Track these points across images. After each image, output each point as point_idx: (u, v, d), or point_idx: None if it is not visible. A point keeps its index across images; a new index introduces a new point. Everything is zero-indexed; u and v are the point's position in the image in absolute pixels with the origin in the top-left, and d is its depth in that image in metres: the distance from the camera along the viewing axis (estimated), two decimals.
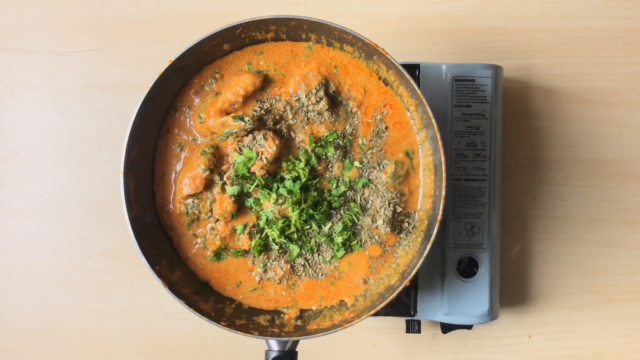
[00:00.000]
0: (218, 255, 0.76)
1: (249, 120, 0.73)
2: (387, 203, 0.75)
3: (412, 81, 0.70)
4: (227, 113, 0.75)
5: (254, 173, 0.74)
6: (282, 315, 0.76)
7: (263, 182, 0.74)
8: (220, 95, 0.76)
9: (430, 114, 0.70)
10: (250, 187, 0.75)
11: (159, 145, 0.77)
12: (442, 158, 0.70)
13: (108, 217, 0.91)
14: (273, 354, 0.71)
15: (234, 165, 0.75)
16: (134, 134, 0.71)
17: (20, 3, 0.92)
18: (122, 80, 0.91)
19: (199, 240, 0.77)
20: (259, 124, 0.75)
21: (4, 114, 0.92)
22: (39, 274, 0.91)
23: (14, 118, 0.92)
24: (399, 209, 0.76)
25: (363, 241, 0.76)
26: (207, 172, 0.75)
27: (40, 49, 0.92)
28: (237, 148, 0.75)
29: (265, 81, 0.76)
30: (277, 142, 0.74)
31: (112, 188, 0.90)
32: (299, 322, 0.75)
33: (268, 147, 0.73)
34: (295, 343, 0.72)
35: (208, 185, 0.76)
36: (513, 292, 0.89)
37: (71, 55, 0.92)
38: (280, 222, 0.74)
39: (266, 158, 0.73)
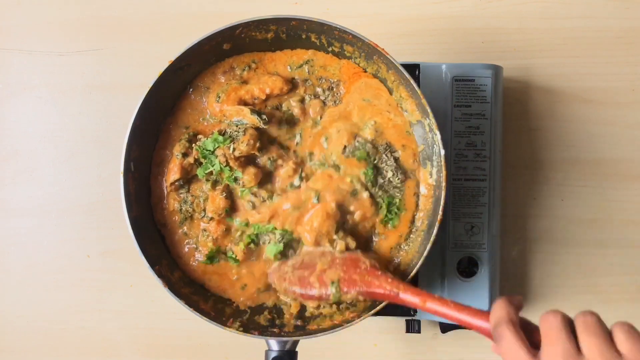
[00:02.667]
0: (211, 258, 0.76)
1: (264, 119, 0.73)
2: (384, 154, 0.76)
3: (412, 81, 0.70)
4: (245, 104, 0.75)
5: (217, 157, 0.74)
6: (282, 315, 0.76)
7: (219, 168, 0.74)
8: (246, 85, 0.76)
9: (431, 114, 0.70)
10: (208, 168, 0.74)
11: (166, 125, 0.77)
12: (442, 158, 0.70)
13: (108, 217, 0.91)
14: (273, 354, 0.71)
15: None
16: (134, 134, 0.71)
17: (20, 3, 0.92)
18: (122, 80, 0.91)
19: (191, 240, 0.77)
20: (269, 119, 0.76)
21: (4, 114, 0.92)
22: (39, 274, 0.91)
23: (14, 118, 0.92)
24: (397, 155, 0.76)
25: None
26: (181, 157, 0.75)
27: (40, 49, 0.92)
28: (223, 130, 0.75)
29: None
30: (252, 142, 0.73)
31: (112, 188, 0.90)
32: (299, 322, 0.75)
33: (241, 142, 0.73)
34: (295, 343, 0.72)
35: (188, 173, 0.75)
36: (513, 292, 0.89)
37: (71, 55, 0.92)
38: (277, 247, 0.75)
39: (234, 149, 0.73)
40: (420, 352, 0.89)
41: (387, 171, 0.75)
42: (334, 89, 0.78)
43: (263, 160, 0.75)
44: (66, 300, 0.91)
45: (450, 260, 0.79)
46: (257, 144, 0.73)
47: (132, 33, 0.92)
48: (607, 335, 0.50)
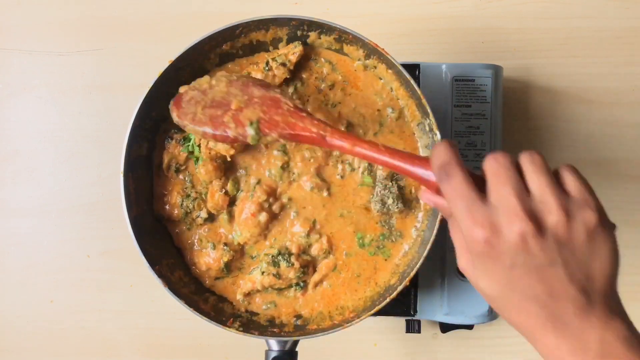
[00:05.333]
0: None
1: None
2: (389, 181, 0.75)
3: (412, 81, 0.70)
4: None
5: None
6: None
7: (192, 142, 0.74)
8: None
9: (431, 114, 0.70)
10: (189, 139, 0.74)
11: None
12: None
13: (108, 217, 0.91)
14: (273, 354, 0.71)
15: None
16: (134, 134, 0.71)
17: (20, 3, 0.92)
18: (122, 80, 0.91)
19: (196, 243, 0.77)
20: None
21: (4, 114, 0.92)
22: (39, 274, 0.91)
23: (14, 118, 0.92)
24: (402, 184, 0.75)
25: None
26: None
27: (40, 49, 0.92)
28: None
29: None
30: (232, 149, 0.73)
31: (112, 188, 0.89)
32: (298, 322, 0.75)
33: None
34: (295, 343, 0.72)
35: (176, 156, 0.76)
36: None
37: (71, 55, 0.92)
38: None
39: (213, 142, 0.73)
40: (420, 352, 0.89)
41: (388, 198, 0.74)
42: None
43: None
44: (66, 300, 0.91)
45: (450, 260, 0.79)
46: (233, 152, 0.73)
47: (132, 33, 0.92)
48: (554, 175, 0.50)
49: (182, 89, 0.66)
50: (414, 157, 0.55)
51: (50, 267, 0.91)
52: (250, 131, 0.61)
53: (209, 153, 0.74)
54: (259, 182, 0.75)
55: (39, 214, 0.91)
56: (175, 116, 0.64)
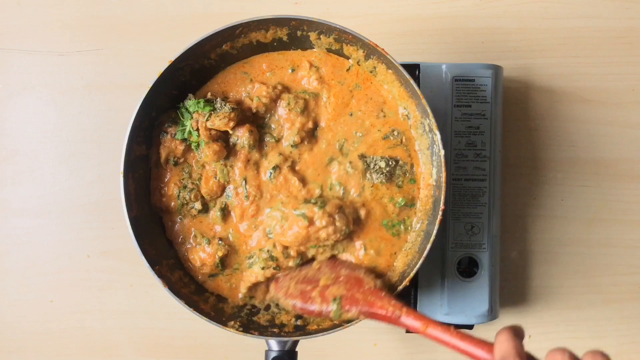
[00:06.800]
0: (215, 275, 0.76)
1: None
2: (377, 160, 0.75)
3: (412, 81, 0.70)
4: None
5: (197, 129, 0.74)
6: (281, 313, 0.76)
7: (189, 129, 0.74)
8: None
9: (431, 114, 0.70)
10: (182, 126, 0.74)
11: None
12: (442, 158, 0.70)
13: (108, 217, 0.91)
14: (273, 354, 0.71)
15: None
16: (134, 134, 0.71)
17: (20, 3, 0.92)
18: (122, 80, 0.91)
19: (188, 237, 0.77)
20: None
21: (4, 114, 0.92)
22: (39, 274, 0.91)
23: (14, 118, 0.92)
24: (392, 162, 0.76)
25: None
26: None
27: (40, 49, 0.92)
28: (211, 99, 0.74)
29: None
30: (226, 119, 0.72)
31: (112, 188, 0.90)
32: (299, 322, 0.75)
33: (217, 115, 0.72)
34: (295, 343, 0.72)
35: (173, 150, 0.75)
36: (513, 292, 0.89)
37: (71, 55, 0.92)
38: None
39: (208, 119, 0.72)
40: (420, 352, 0.89)
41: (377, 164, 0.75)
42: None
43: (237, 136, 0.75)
44: (66, 300, 0.91)
45: (450, 260, 0.79)
46: (232, 124, 0.73)
47: (132, 33, 0.92)
48: None
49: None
50: (481, 343, 0.58)
51: (50, 267, 0.91)
52: (333, 306, 0.68)
53: (209, 134, 0.73)
54: (245, 179, 0.75)
55: (39, 214, 0.91)
56: (272, 289, 0.74)
